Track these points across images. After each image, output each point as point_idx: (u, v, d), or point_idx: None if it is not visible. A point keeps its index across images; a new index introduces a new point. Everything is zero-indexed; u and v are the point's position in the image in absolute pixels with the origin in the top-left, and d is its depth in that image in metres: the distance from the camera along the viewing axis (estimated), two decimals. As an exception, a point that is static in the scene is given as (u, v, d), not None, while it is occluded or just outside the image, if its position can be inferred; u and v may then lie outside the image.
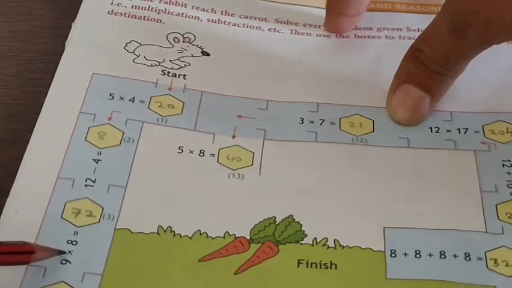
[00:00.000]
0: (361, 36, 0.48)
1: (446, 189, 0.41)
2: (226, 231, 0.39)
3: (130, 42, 0.46)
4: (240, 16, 0.49)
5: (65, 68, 0.45)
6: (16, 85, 0.46)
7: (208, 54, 0.47)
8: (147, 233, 0.38)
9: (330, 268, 0.38)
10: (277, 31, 0.48)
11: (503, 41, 0.41)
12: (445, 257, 0.38)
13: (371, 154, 0.42)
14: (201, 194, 0.40)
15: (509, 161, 0.42)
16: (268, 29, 0.48)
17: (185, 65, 0.46)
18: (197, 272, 0.37)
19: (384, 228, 0.39)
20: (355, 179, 0.41)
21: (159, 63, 0.46)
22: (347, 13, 0.47)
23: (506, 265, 0.38)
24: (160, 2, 0.49)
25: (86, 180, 0.40)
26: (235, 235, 0.39)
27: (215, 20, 0.49)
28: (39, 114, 0.42)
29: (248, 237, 0.39)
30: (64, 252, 0.37)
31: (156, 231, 0.38)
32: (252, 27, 0.48)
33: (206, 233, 0.39)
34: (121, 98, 0.43)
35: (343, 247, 0.38)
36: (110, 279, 0.37)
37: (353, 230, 0.39)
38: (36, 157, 0.41)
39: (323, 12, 0.48)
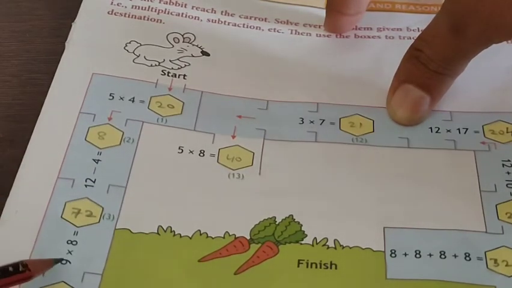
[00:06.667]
0: (361, 36, 0.48)
1: (446, 189, 0.41)
2: (226, 231, 0.39)
3: (130, 42, 0.46)
4: (240, 16, 0.49)
5: (65, 68, 0.45)
6: (16, 85, 0.46)
7: (208, 54, 0.47)
8: (147, 233, 0.38)
9: (330, 268, 0.38)
10: (277, 31, 0.48)
11: (503, 41, 0.41)
12: (445, 257, 0.38)
13: (371, 154, 0.42)
14: (201, 194, 0.40)
15: (509, 161, 0.42)
16: (268, 29, 0.48)
17: (185, 65, 0.46)
18: (197, 272, 0.37)
19: (384, 228, 0.39)
20: (355, 179, 0.41)
21: (159, 63, 0.46)
22: (347, 13, 0.47)
23: (506, 265, 0.38)
24: (160, 2, 0.49)
25: (86, 180, 0.40)
26: (235, 235, 0.39)
27: (215, 20, 0.49)
28: (39, 114, 0.42)
29: (248, 237, 0.39)
30: (60, 260, 0.37)
31: (156, 231, 0.38)
32: (252, 27, 0.48)
33: (206, 233, 0.39)
34: (121, 98, 0.43)
35: (343, 247, 0.38)
36: (110, 279, 0.37)
37: (353, 230, 0.39)
38: (36, 157, 0.41)
39: (323, 12, 0.48)
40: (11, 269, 0.35)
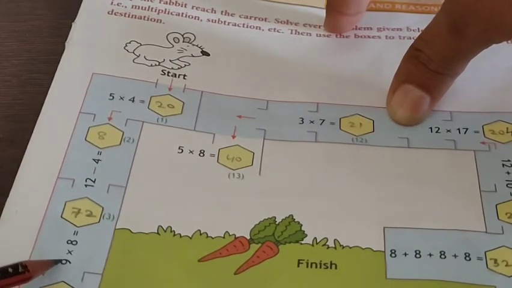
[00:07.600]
0: (361, 36, 0.48)
1: (446, 189, 0.41)
2: (226, 231, 0.39)
3: (130, 42, 0.46)
4: (240, 16, 0.49)
5: (65, 68, 0.45)
6: (16, 85, 0.46)
7: (208, 54, 0.47)
8: (147, 233, 0.38)
9: (330, 268, 0.38)
10: (277, 31, 0.48)
11: (503, 41, 0.41)
12: (445, 257, 0.38)
13: (371, 154, 0.42)
14: (201, 194, 0.40)
15: (509, 161, 0.42)
16: (268, 29, 0.48)
17: (185, 65, 0.46)
18: (197, 272, 0.37)
19: (384, 228, 0.39)
20: (355, 179, 0.41)
21: (159, 63, 0.46)
22: (347, 12, 0.47)
23: (506, 265, 0.38)
24: (160, 2, 0.49)
25: (86, 180, 0.40)
26: (235, 235, 0.39)
27: (215, 20, 0.49)
28: (39, 114, 0.42)
29: (248, 237, 0.39)
30: (60, 261, 0.37)
31: (156, 231, 0.38)
32: (252, 27, 0.48)
33: (206, 233, 0.39)
34: (121, 98, 0.44)
35: (343, 247, 0.38)
36: (110, 279, 0.37)
37: (353, 230, 0.39)
38: (36, 157, 0.41)
39: (323, 12, 0.48)
40: (10, 270, 0.35)
